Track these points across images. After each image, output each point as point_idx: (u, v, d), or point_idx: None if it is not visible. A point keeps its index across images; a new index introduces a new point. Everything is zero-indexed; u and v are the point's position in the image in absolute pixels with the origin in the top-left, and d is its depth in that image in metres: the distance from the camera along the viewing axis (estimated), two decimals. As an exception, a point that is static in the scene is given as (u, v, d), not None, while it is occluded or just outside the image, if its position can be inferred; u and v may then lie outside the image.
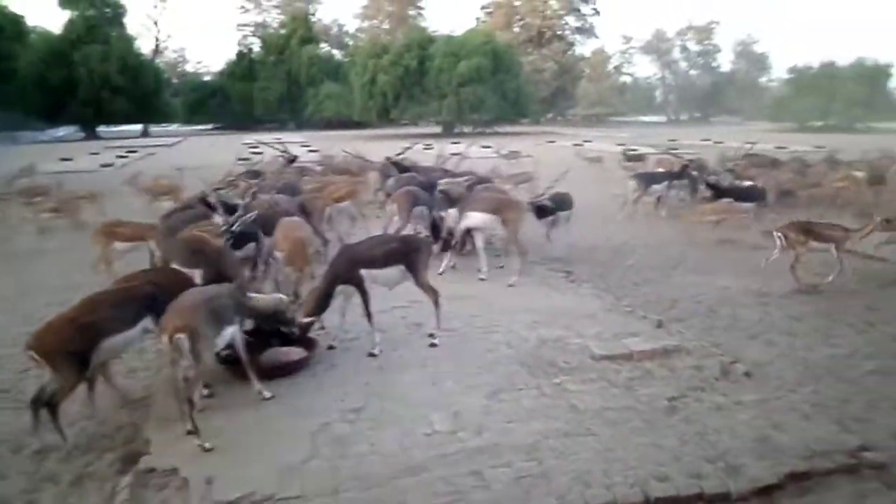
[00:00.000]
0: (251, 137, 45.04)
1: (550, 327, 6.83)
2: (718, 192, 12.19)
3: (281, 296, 6.01)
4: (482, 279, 8.85)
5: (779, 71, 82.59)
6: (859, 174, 14.40)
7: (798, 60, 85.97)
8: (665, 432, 4.72)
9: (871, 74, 62.31)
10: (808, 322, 7.43)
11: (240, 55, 70.02)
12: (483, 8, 79.23)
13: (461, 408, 5.11)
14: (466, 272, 9.17)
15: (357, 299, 6.36)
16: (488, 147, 30.74)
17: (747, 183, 13.23)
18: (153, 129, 63.90)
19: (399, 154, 14.96)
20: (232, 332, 5.19)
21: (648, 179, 14.03)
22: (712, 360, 5.99)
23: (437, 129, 54.56)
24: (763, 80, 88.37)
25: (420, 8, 78.27)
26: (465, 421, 4.91)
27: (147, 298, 5.23)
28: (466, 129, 54.12)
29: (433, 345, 6.43)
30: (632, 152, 22.31)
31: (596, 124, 70.86)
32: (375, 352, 6.22)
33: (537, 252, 10.11)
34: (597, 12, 78.67)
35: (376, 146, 27.35)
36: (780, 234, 8.72)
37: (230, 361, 5.58)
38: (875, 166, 15.56)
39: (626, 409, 5.05)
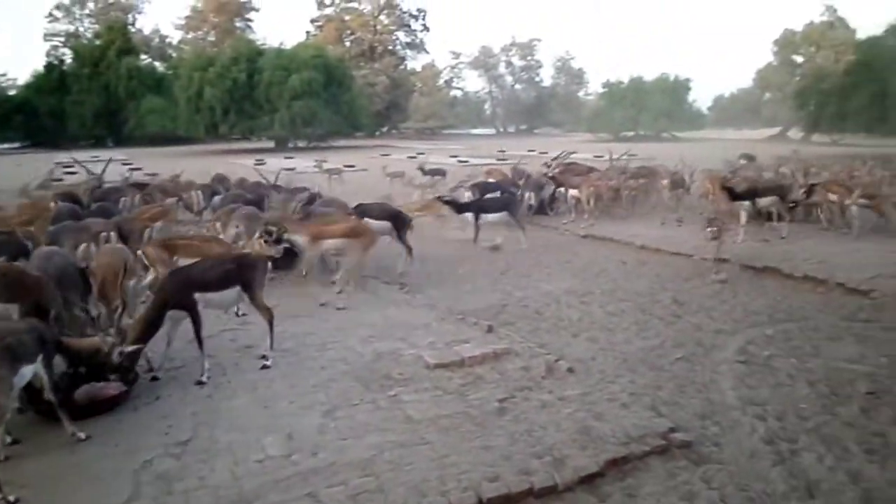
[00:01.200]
0: (65, 155, 41.47)
1: (385, 340, 6.86)
2: None
3: (102, 338, 5.46)
4: (322, 304, 8.66)
5: (595, 85, 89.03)
6: (665, 181, 15.75)
7: (611, 75, 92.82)
8: (496, 433, 4.88)
9: (673, 88, 68.86)
10: (626, 317, 8.02)
11: (49, 67, 64.08)
12: (313, 21, 78.76)
13: (295, 429, 4.98)
14: (299, 289, 8.99)
15: (185, 325, 6.03)
16: (324, 161, 30.49)
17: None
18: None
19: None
20: (33, 371, 4.71)
21: (483, 190, 14.50)
22: (538, 360, 6.29)
23: (270, 144, 53.25)
24: (581, 93, 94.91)
25: (248, 20, 76.23)
26: (299, 443, 4.79)
27: None
28: (301, 144, 53.29)
29: (265, 366, 6.23)
30: (431, 167, 22.60)
31: (430, 137, 72.42)
32: (204, 379, 5.92)
33: (371, 266, 10.13)
34: (426, 28, 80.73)
35: (205, 162, 26.21)
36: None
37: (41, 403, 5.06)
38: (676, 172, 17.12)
39: (458, 415, 5.17)
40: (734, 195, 12.59)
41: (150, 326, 5.83)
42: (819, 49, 70.64)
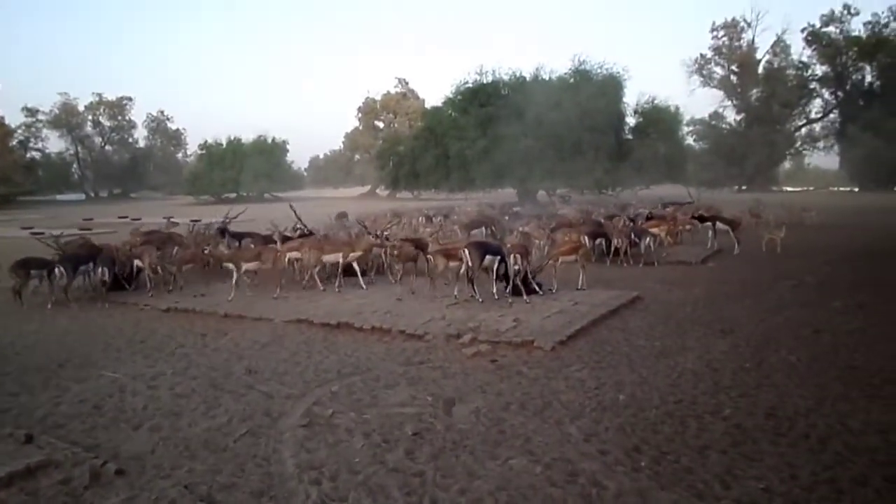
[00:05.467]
0: None
1: None
2: None
3: None
4: None
5: (193, 146, 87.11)
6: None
7: (209, 136, 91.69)
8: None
9: (271, 150, 71.08)
10: (196, 397, 7.63)
11: None
12: None
13: None
14: None
15: None
16: None
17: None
18: None
19: None
20: None
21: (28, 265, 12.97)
22: (83, 467, 5.57)
23: None
24: (179, 155, 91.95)
25: None
26: None
27: None
28: None
29: None
30: None
31: (1, 206, 62.50)
32: None
33: None
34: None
35: None
36: None
37: None
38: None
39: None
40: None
41: None
42: (396, 116, 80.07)
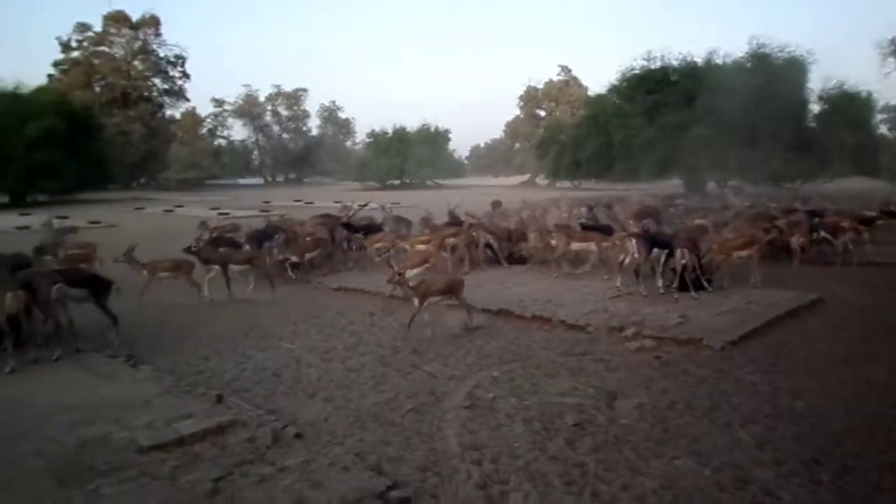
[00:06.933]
0: None
1: (95, 424, 6.16)
2: None
3: None
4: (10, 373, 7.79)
5: (361, 135, 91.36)
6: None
7: (376, 125, 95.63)
8: (202, 519, 4.56)
9: (434, 138, 72.80)
10: (366, 372, 8.04)
11: None
12: (57, 65, 71.60)
13: (-41, 548, 4.26)
14: None
15: None
16: (65, 217, 27.66)
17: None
18: None
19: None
20: None
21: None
22: (266, 429, 6.04)
23: (4, 199, 47.29)
24: (349, 143, 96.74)
25: (-26, 60, 67.70)
26: (-40, 564, 4.09)
27: None
28: (41, 198, 48.00)
29: (-62, 471, 5.30)
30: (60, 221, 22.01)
31: (191, 188, 69.00)
32: None
33: (96, 337, 9.26)
34: (186, 75, 77.22)
35: None
36: None
37: None
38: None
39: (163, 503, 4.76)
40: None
41: None
42: (558, 104, 79.18)
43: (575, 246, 14.16)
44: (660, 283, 11.91)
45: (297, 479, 5.09)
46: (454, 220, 17.46)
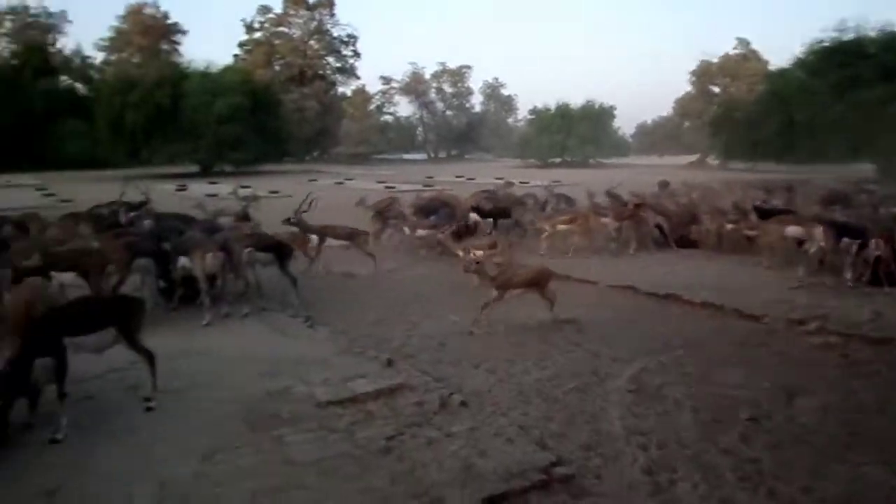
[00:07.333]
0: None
1: (278, 377, 6.70)
2: None
3: None
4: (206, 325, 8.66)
5: (523, 112, 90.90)
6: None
7: (538, 102, 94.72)
8: (378, 474, 4.81)
9: (598, 115, 70.80)
10: (529, 347, 8.07)
11: (-42, 87, 61.44)
12: (241, 45, 77.63)
13: (169, 477, 4.79)
14: (196, 323, 8.79)
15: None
16: (247, 187, 29.94)
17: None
18: None
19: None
20: None
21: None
22: (433, 395, 6.26)
23: (195, 168, 52.07)
24: (510, 120, 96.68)
25: (175, 42, 74.65)
26: (170, 491, 4.61)
27: None
28: (227, 169, 52.32)
29: (149, 409, 5.99)
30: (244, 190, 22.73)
31: (360, 162, 72.23)
32: (59, 436, 5.38)
33: (278, 297, 10.01)
34: (357, 54, 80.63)
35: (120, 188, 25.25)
36: None
37: None
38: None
39: (342, 456, 5.07)
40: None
41: (16, 380, 5.29)
42: (734, 80, 74.21)
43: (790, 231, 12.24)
44: (848, 275, 10.92)
45: (464, 446, 5.23)
46: (617, 201, 16.98)
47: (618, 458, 5.25)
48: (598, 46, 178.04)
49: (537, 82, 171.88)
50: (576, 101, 73.64)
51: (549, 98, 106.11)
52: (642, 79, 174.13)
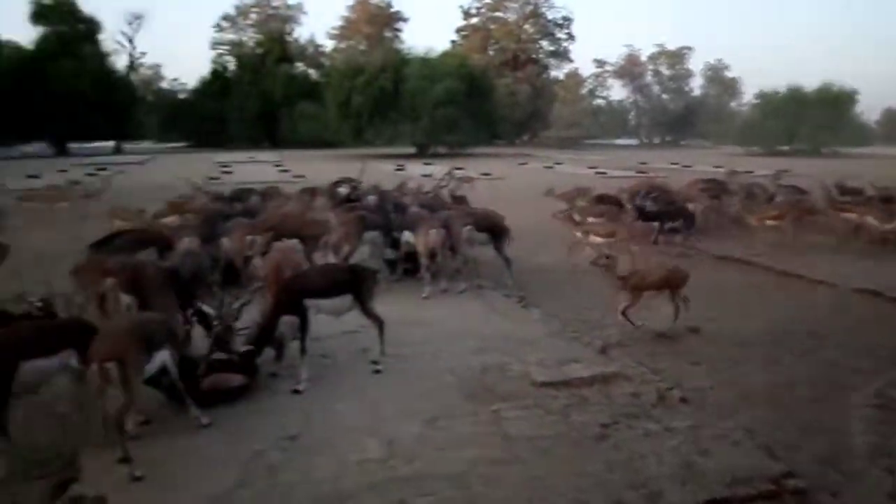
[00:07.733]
0: (224, 156, 44.92)
1: (494, 354, 6.89)
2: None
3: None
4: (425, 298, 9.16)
5: (749, 95, 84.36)
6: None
7: (766, 84, 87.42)
8: (593, 459, 4.79)
9: (836, 99, 63.63)
10: (753, 349, 7.56)
11: (214, 73, 70.33)
12: (459, 31, 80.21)
13: (396, 435, 5.15)
14: (416, 295, 9.30)
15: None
16: (461, 168, 30.93)
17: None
18: (126, 145, 63.55)
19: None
20: (163, 359, 5.16)
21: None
22: (650, 387, 6.09)
23: (412, 150, 54.81)
24: (733, 104, 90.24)
25: (397, 30, 79.01)
26: (397, 448, 4.95)
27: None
28: (441, 150, 54.46)
29: (377, 371, 6.47)
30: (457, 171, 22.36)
31: (570, 146, 71.56)
32: (300, 388, 6.03)
33: (492, 277, 10.26)
34: (572, 37, 79.94)
35: (348, 166, 27.31)
36: None
37: (169, 387, 5.55)
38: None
39: (557, 437, 5.12)
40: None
41: (266, 332, 6.17)
42: None
43: None
44: None
45: (683, 442, 5.04)
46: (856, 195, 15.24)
47: (859, 478, 4.77)
48: (841, 23, 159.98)
49: (766, 63, 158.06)
50: (811, 83, 66.96)
51: (779, 81, 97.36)
52: (892, 56, 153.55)
